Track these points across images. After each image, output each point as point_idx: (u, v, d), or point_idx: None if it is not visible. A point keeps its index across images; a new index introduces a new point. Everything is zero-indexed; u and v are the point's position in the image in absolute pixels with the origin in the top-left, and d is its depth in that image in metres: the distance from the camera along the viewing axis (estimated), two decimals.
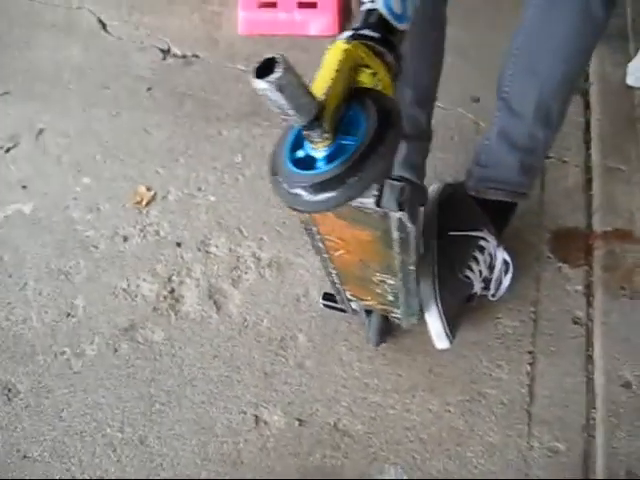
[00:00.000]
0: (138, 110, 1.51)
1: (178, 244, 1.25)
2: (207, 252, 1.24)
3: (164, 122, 1.48)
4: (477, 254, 1.04)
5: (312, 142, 0.54)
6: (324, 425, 1.01)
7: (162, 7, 1.78)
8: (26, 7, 1.83)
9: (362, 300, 0.96)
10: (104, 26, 1.76)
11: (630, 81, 1.42)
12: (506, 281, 1.09)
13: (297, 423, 1.01)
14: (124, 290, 1.19)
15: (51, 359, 1.11)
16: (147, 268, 1.22)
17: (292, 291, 1.17)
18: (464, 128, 1.40)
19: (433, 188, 1.09)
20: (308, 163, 0.56)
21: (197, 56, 1.63)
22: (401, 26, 0.61)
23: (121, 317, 1.15)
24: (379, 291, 0.88)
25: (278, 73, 0.47)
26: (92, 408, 1.05)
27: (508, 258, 1.07)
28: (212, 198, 1.32)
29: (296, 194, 0.57)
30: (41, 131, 1.49)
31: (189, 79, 1.58)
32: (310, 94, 0.51)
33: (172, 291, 1.19)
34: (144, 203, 1.32)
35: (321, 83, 0.53)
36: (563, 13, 0.97)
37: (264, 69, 0.47)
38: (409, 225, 0.65)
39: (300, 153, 0.56)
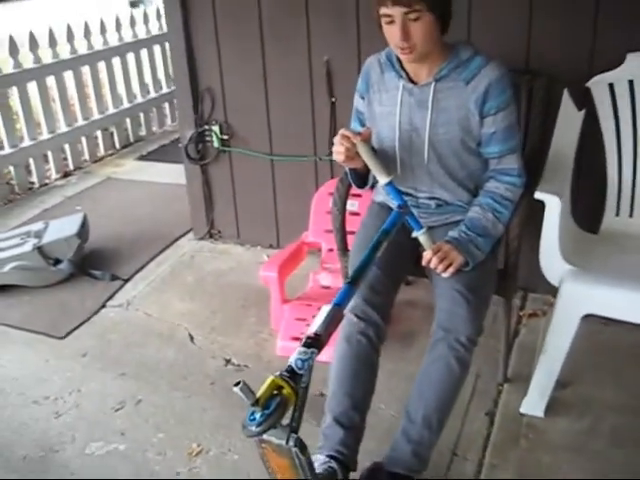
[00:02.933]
0: (202, 396, 2.34)
1: None
2: None
3: (217, 406, 2.28)
4: None
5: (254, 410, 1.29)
6: None
7: (231, 331, 2.70)
8: (143, 321, 2.81)
9: None
10: (192, 338, 2.68)
11: (522, 409, 2.15)
12: None
13: None
14: None
15: None
16: None
17: None
18: None
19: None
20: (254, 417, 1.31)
21: (247, 366, 2.50)
22: (302, 371, 1.40)
23: None
24: None
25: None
26: None
27: None
28: (235, 457, 2.06)
29: (249, 431, 1.31)
30: (139, 401, 2.33)
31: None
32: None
33: None
34: (194, 454, 2.08)
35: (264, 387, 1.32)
36: (437, 368, 1.80)
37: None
38: (301, 457, 1.37)
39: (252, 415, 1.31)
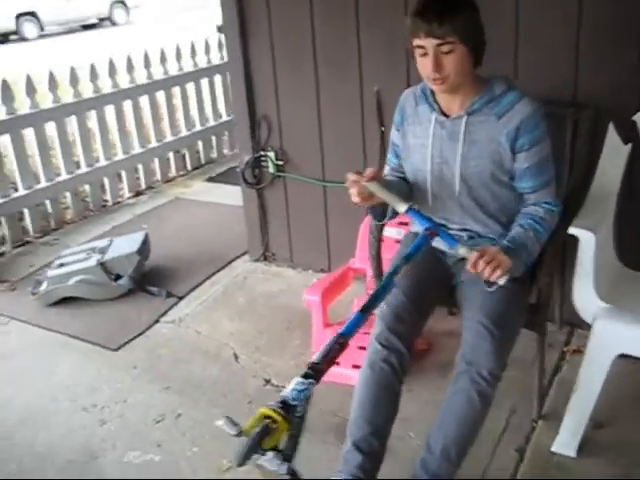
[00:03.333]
0: (238, 414, 2.29)
1: None
2: None
3: None
4: None
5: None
6: None
7: (275, 352, 2.77)
8: (193, 338, 2.92)
9: None
10: (237, 357, 2.77)
11: (553, 448, 2.11)
12: None
13: None
14: None
15: None
16: None
17: None
18: None
19: None
20: None
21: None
22: (296, 402, 1.45)
23: None
24: None
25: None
26: None
27: None
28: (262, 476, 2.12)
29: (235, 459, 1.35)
30: (179, 415, 2.43)
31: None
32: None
33: None
34: (224, 469, 2.15)
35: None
36: (458, 401, 1.80)
37: None
38: None
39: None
